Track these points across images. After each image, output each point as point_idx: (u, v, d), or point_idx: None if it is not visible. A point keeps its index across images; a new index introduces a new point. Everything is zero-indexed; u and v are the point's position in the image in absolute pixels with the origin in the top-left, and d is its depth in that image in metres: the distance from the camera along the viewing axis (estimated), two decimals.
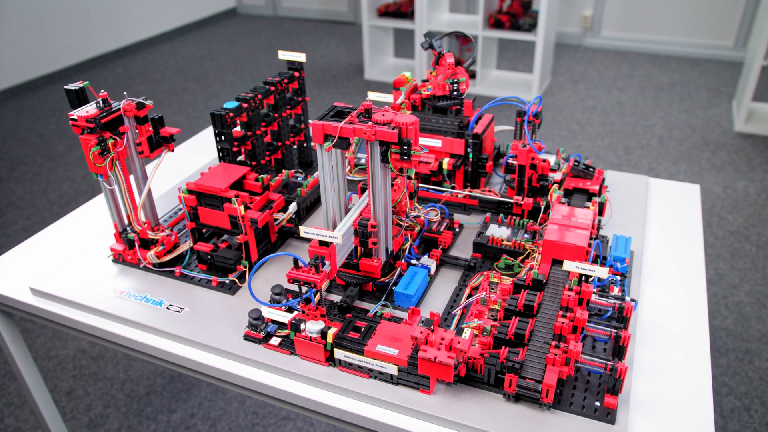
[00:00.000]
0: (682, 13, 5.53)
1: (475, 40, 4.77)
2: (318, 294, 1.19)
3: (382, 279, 1.28)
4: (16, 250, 1.57)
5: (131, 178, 1.37)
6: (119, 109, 1.29)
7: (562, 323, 1.02)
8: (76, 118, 1.24)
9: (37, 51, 5.21)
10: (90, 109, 1.26)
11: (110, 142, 1.28)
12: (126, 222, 1.41)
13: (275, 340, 1.18)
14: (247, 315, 1.19)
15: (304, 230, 1.13)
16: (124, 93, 1.33)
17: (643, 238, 1.48)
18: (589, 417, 1.01)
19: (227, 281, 1.34)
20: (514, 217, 1.45)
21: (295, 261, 1.12)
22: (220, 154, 1.43)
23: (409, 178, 1.31)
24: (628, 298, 1.10)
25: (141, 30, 6.19)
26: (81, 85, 1.28)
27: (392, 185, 1.25)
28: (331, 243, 1.15)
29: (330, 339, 1.11)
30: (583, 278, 1.12)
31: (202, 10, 6.94)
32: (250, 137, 1.46)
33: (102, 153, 1.27)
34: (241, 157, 1.51)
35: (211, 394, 2.35)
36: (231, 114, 1.38)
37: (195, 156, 1.96)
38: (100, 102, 1.27)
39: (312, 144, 1.76)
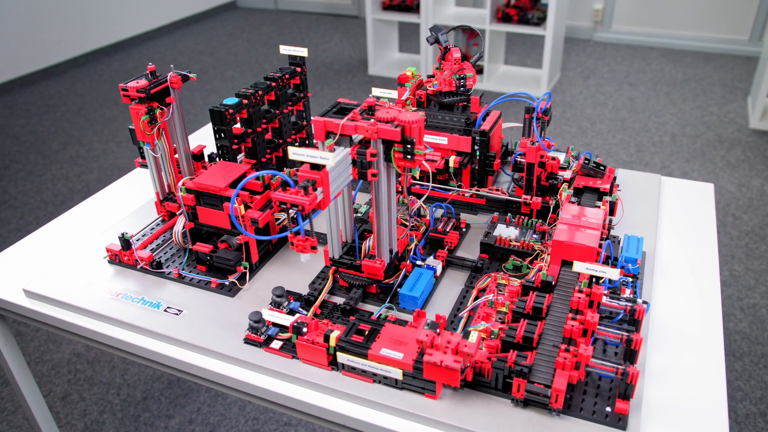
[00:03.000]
0: (696, 6, 5.47)
1: (482, 35, 4.77)
2: (308, 221, 1.08)
3: (386, 281, 1.26)
4: (9, 251, 1.56)
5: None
6: (166, 80, 1.39)
7: (572, 326, 1.00)
8: (127, 88, 1.35)
9: (31, 45, 5.17)
10: (140, 81, 1.37)
11: (158, 112, 1.39)
12: (167, 190, 1.51)
13: (276, 344, 1.16)
14: (248, 318, 1.18)
15: (293, 151, 1.06)
16: (171, 66, 1.44)
17: (656, 239, 1.47)
18: (600, 423, 0.99)
19: (227, 283, 1.33)
20: (523, 217, 1.44)
21: (284, 183, 1.06)
22: (220, 151, 1.42)
23: (414, 177, 1.29)
24: (639, 300, 1.08)
25: (137, 24, 6.15)
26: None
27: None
28: (324, 167, 1.06)
29: (333, 342, 1.10)
30: (594, 280, 1.11)
31: (201, 3, 6.89)
32: (250, 134, 1.44)
33: (150, 122, 1.37)
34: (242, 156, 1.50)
35: (210, 399, 2.33)
36: (231, 110, 1.37)
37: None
38: (149, 74, 1.39)
39: (314, 142, 1.74)
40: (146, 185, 1.74)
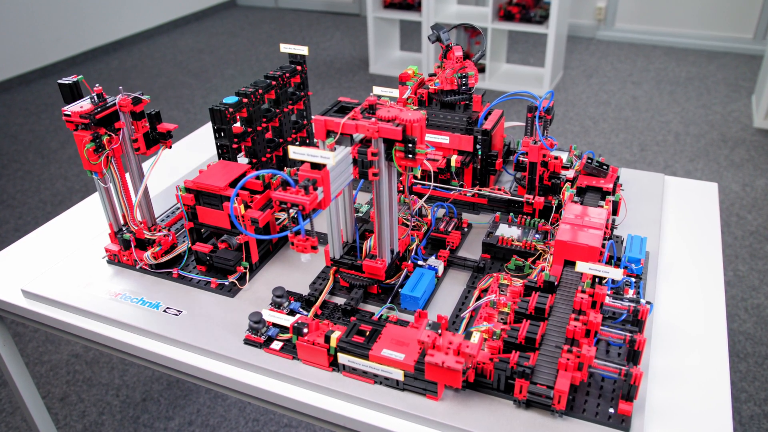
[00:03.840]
0: (699, 4, 5.46)
1: (484, 33, 4.76)
2: (308, 220, 1.07)
3: (387, 281, 1.25)
4: (7, 251, 1.55)
5: (127, 176, 1.35)
6: (114, 104, 1.28)
7: (575, 327, 0.99)
8: (69, 113, 1.22)
9: (29, 44, 5.15)
10: (84, 104, 1.25)
11: (105, 139, 1.26)
12: (122, 221, 1.39)
13: (277, 345, 1.16)
14: (248, 318, 1.17)
15: (293, 150, 1.05)
16: (120, 87, 1.31)
17: (659, 239, 1.46)
18: (603, 424, 0.99)
19: (227, 283, 1.32)
20: (525, 217, 1.43)
21: (284, 182, 1.05)
22: (220, 151, 1.42)
23: (415, 177, 1.29)
24: (643, 301, 1.07)
25: (137, 22, 6.13)
26: (75, 80, 1.25)
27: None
28: (324, 166, 1.05)
29: (333, 343, 1.09)
30: (597, 280, 1.10)
31: (201, 2, 6.87)
32: (250, 134, 1.44)
33: (97, 150, 1.25)
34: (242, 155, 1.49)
35: (210, 401, 2.32)
36: (231, 109, 1.37)
37: (193, 153, 1.94)
38: (95, 97, 1.26)
39: (315, 141, 1.73)
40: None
